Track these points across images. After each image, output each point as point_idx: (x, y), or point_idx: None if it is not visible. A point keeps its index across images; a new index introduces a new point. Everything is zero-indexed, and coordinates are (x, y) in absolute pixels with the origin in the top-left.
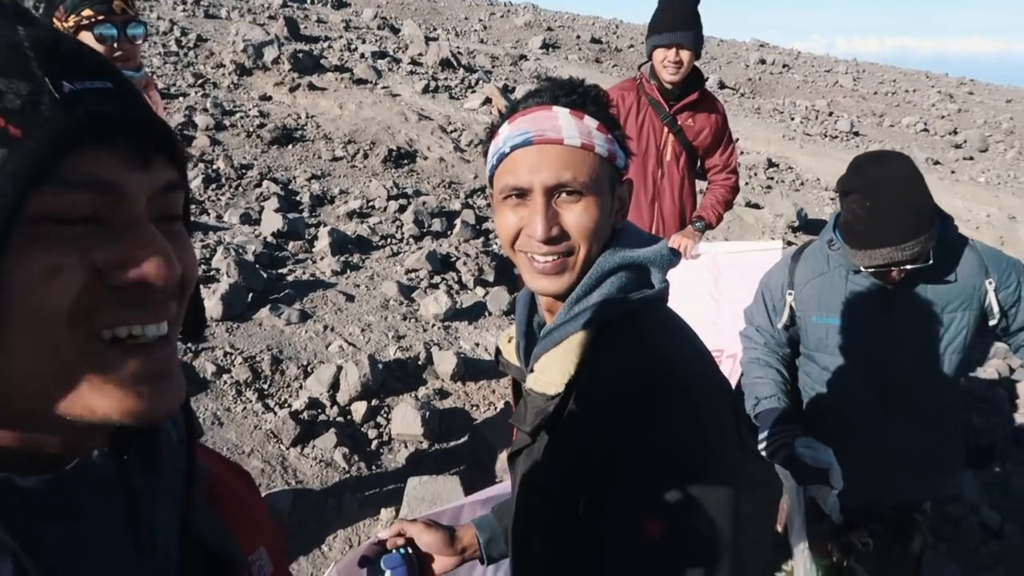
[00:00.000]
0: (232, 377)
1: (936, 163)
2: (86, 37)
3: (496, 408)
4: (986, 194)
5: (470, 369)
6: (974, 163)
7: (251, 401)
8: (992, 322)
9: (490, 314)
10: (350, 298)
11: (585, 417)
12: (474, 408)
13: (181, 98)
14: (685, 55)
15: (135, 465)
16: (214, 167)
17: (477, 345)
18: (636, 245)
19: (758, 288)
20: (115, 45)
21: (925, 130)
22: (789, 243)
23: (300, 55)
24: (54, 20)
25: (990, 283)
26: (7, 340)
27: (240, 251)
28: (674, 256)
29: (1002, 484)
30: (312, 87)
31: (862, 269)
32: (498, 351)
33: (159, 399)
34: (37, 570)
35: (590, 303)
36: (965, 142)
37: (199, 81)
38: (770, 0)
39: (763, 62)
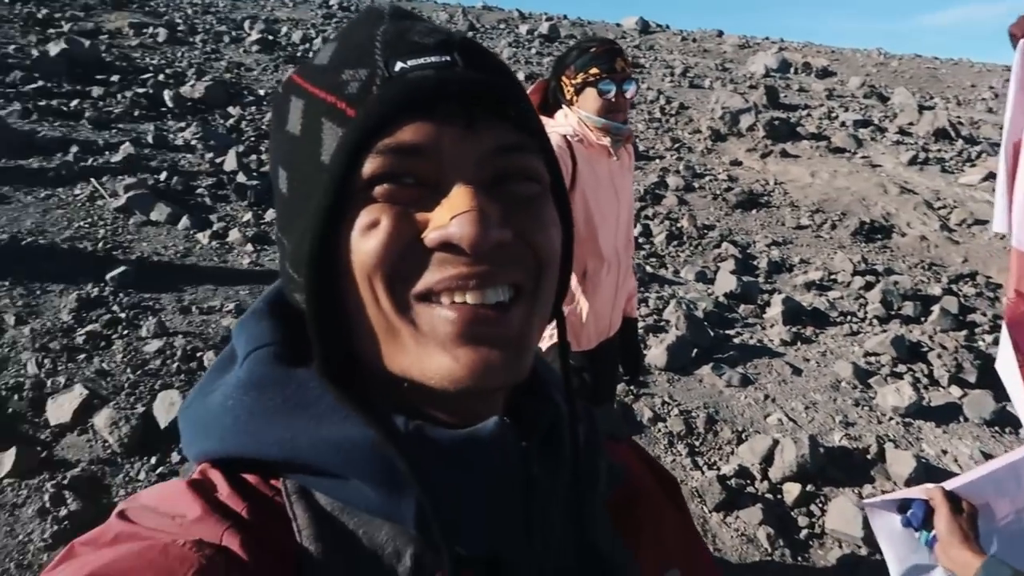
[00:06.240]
0: (666, 427)
1: None
2: (590, 91)
3: None
4: None
5: (933, 478)
6: None
7: (680, 455)
8: None
9: (966, 420)
10: (797, 371)
11: None
12: None
13: (657, 160)
14: None
15: (536, 454)
16: (678, 225)
17: (944, 453)
18: None
19: None
20: (612, 99)
21: None
22: None
23: (776, 122)
24: (563, 77)
25: None
26: (347, 297)
27: (691, 307)
28: None
29: None
30: (784, 154)
31: None
32: None
33: (477, 366)
34: (437, 516)
35: None
36: None
37: (675, 145)
38: None
39: None
